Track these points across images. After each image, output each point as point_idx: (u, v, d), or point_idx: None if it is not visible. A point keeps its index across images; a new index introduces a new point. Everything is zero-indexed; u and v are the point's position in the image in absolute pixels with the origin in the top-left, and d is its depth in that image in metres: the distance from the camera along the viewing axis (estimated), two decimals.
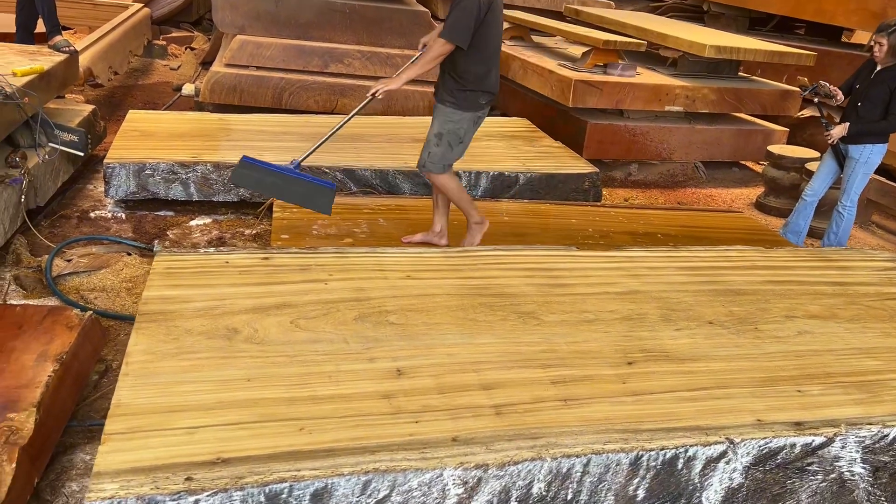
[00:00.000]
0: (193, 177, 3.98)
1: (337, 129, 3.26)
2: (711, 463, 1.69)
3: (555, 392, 1.84)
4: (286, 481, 1.47)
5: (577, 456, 1.62)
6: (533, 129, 5.09)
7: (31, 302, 3.03)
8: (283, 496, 1.47)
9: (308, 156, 3.15)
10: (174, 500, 1.41)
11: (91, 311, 2.61)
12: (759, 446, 1.71)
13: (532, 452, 1.61)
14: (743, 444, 1.71)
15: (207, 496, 1.42)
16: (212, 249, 2.43)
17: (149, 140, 4.23)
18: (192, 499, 1.42)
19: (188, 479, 1.45)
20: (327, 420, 1.66)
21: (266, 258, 2.42)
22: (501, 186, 4.23)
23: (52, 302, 3.04)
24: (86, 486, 2.16)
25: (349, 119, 3.29)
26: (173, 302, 2.10)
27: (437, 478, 1.54)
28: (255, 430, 1.61)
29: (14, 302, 3.00)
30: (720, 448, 1.70)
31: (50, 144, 3.67)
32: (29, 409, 2.09)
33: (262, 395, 1.73)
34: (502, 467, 1.58)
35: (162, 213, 4.02)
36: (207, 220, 4.01)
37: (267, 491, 1.46)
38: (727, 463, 1.70)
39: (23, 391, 2.16)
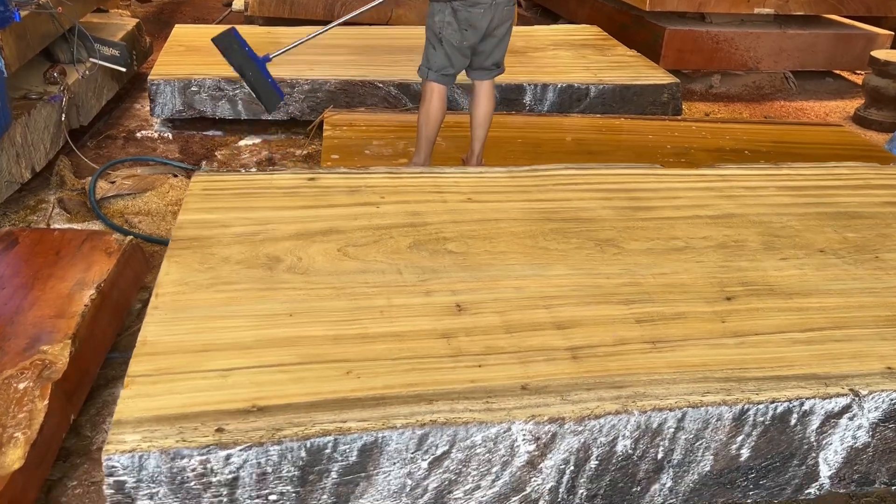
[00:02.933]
0: (241, 93, 3.75)
1: (326, 30, 3.13)
2: (831, 419, 1.42)
3: (640, 332, 1.58)
4: (330, 434, 1.27)
5: (670, 409, 1.37)
6: (604, 37, 4.66)
7: (74, 226, 2.90)
8: (327, 451, 1.27)
9: (282, 53, 2.99)
10: (202, 454, 1.23)
11: (132, 236, 2.44)
12: (892, 399, 1.43)
13: (616, 404, 1.37)
14: (871, 396, 1.43)
15: (240, 451, 1.24)
16: (254, 169, 2.20)
17: (195, 55, 4.01)
18: (222, 453, 1.23)
19: (219, 429, 1.26)
20: (378, 363, 1.45)
21: (312, 178, 2.18)
22: (570, 100, 3.87)
23: (95, 226, 2.91)
24: None
25: (347, 18, 3.14)
26: (210, 226, 1.89)
27: (504, 432, 1.32)
28: (295, 372, 1.41)
29: (55, 226, 2.88)
30: (843, 401, 1.42)
31: (90, 59, 3.48)
32: (64, 340, 1.95)
33: (305, 333, 1.52)
34: (581, 421, 1.34)
35: (210, 132, 3.83)
36: (257, 140, 3.80)
37: (308, 445, 1.26)
38: (851, 419, 1.43)
39: (58, 322, 2.02)
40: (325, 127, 3.42)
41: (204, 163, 3.49)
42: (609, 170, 2.36)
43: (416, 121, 3.55)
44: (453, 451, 1.31)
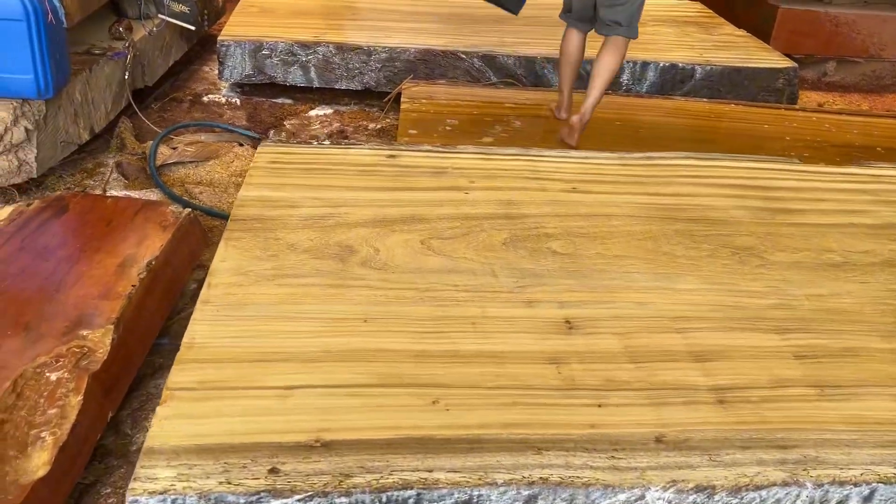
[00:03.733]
0: (314, 59, 3.49)
1: None
2: None
3: (802, 372, 1.25)
4: (412, 487, 0.99)
5: (854, 483, 1.05)
6: (710, 15, 4.22)
7: (130, 193, 2.70)
8: None
9: None
10: (251, 502, 0.96)
11: (190, 209, 2.21)
12: None
13: (782, 472, 1.05)
14: None
15: (298, 501, 0.97)
16: (326, 142, 1.93)
17: (268, 17, 3.77)
18: (276, 503, 0.96)
19: (273, 470, 1.00)
20: (472, 391, 1.16)
21: (392, 156, 1.90)
22: (673, 81, 3.48)
23: (153, 194, 2.70)
24: None
25: None
26: (275, 205, 1.63)
27: (636, 501, 1.02)
28: (371, 397, 1.13)
29: (111, 193, 2.68)
30: None
31: (159, 15, 3.26)
32: (106, 326, 1.72)
33: (383, 345, 1.24)
34: (737, 492, 1.03)
35: (280, 100, 3.59)
36: (328, 110, 3.54)
37: (384, 499, 0.98)
38: None
39: (101, 303, 1.80)
40: (402, 100, 3.13)
41: (272, 132, 3.25)
42: (737, 162, 2.01)
43: (501, 97, 3.22)
44: None
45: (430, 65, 3.52)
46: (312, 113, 3.53)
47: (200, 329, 1.24)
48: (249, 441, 1.04)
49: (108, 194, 2.45)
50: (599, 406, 1.15)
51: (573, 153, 2.00)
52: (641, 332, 1.32)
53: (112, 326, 1.71)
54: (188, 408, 1.09)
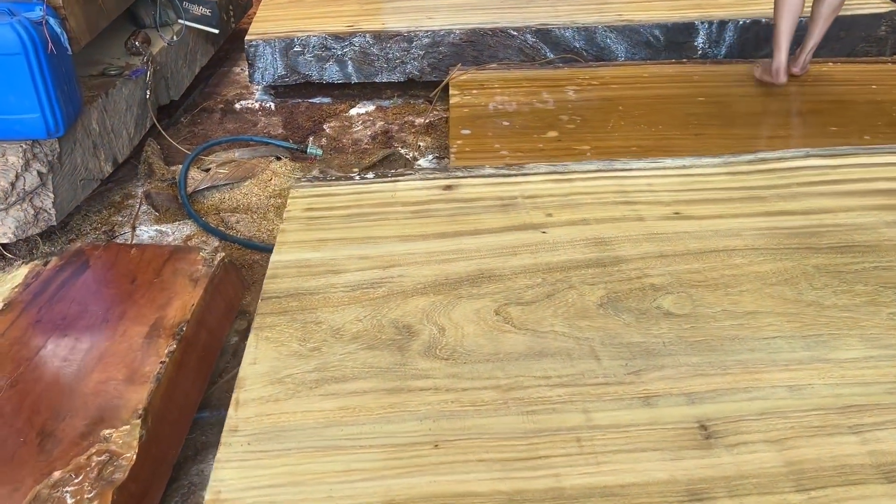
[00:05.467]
0: (350, 52, 3.18)
1: None
2: None
3: None
4: None
5: None
6: None
7: (162, 228, 2.46)
8: None
9: None
10: None
11: (223, 255, 1.95)
12: None
13: None
14: None
15: None
16: (370, 175, 1.62)
17: (296, 7, 3.45)
18: None
19: None
20: None
21: (448, 187, 1.58)
22: (755, 40, 3.04)
23: (186, 227, 2.45)
24: None
25: None
26: (315, 272, 1.34)
27: None
28: None
29: (139, 232, 2.44)
30: None
31: (178, 21, 2.98)
32: (132, 421, 1.48)
33: (463, 485, 0.94)
34: None
35: (317, 100, 3.29)
36: (370, 107, 3.23)
37: None
38: None
39: (126, 390, 1.55)
40: (451, 91, 2.79)
41: (311, 140, 2.96)
42: (875, 156, 1.62)
43: (561, 77, 2.85)
44: None
45: (478, 46, 3.16)
46: (353, 112, 3.22)
47: (228, 476, 0.96)
48: None
49: (132, 244, 2.20)
50: None
51: (664, 161, 1.65)
52: (802, 435, 0.99)
53: (139, 421, 1.46)
54: None
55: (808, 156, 1.64)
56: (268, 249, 2.32)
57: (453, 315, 1.23)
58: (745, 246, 1.37)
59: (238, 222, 2.46)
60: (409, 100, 3.30)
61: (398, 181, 1.60)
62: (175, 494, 1.59)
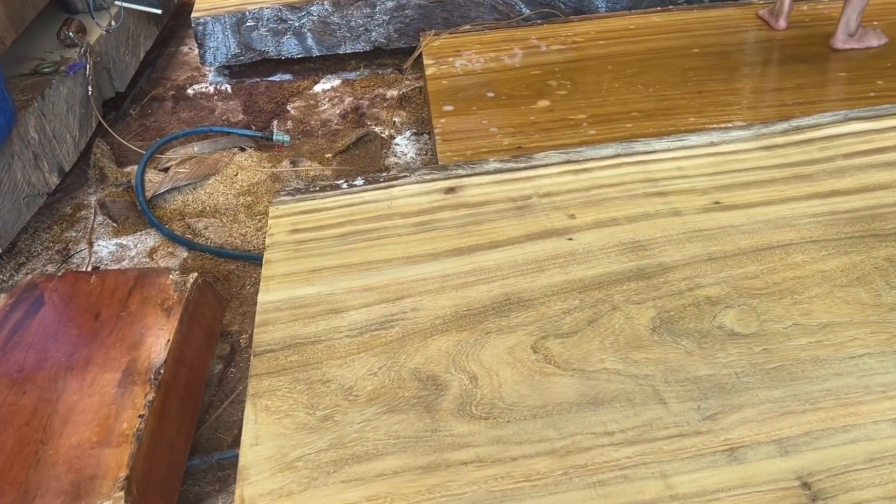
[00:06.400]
0: (309, 23, 2.91)
1: None
2: None
3: None
4: None
5: None
6: None
7: (124, 240, 2.21)
8: None
9: None
10: None
11: (195, 276, 1.73)
12: None
13: None
14: None
15: None
16: (359, 182, 1.41)
17: None
18: None
19: None
20: None
21: (451, 190, 1.38)
22: None
23: (150, 237, 2.21)
24: None
25: None
26: (312, 313, 1.14)
27: None
28: None
29: (100, 246, 2.19)
30: None
31: (115, 3, 2.68)
32: (114, 492, 1.28)
33: None
34: None
35: (277, 77, 3.03)
36: (335, 81, 2.98)
37: None
38: None
39: (103, 455, 1.35)
40: (425, 60, 2.55)
41: (275, 124, 2.71)
42: None
43: (542, 35, 2.63)
44: None
45: (448, 6, 2.92)
46: (318, 88, 2.97)
47: None
48: None
49: (91, 271, 1.96)
50: None
51: (693, 139, 1.46)
52: None
53: (122, 493, 1.27)
54: None
55: (847, 119, 1.46)
56: (243, 257, 2.10)
57: (484, 357, 1.05)
58: (801, 238, 1.19)
59: (206, 228, 2.23)
60: (376, 70, 3.06)
61: (393, 187, 1.39)
62: None
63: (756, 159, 1.38)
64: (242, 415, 1.69)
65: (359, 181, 1.42)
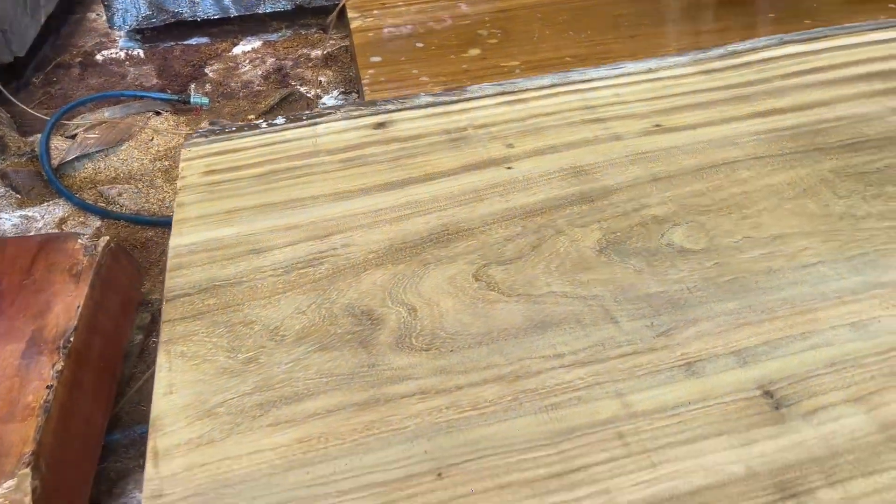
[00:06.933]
0: None
1: None
2: None
3: None
4: None
5: None
6: None
7: (29, 212, 2.05)
8: None
9: None
10: None
11: (108, 239, 1.59)
12: None
13: None
14: None
15: None
16: (280, 120, 1.31)
17: None
18: None
19: None
20: None
21: (381, 125, 1.29)
22: None
23: (59, 207, 2.05)
24: None
25: None
26: (231, 254, 1.04)
27: None
28: None
29: (2, 220, 2.02)
30: None
31: None
32: (18, 469, 1.16)
33: None
34: None
35: (193, 41, 2.86)
36: (256, 43, 2.84)
37: None
38: None
39: (7, 431, 1.22)
40: (349, 14, 2.44)
41: (192, 86, 2.56)
42: (860, 35, 1.43)
43: None
44: None
45: None
46: (237, 50, 2.82)
47: None
48: None
49: None
50: None
51: (629, 66, 1.40)
52: (888, 386, 0.80)
53: (28, 470, 1.15)
54: None
55: (782, 43, 1.43)
56: (163, 223, 1.96)
57: (423, 289, 0.96)
58: (745, 156, 1.15)
59: (120, 195, 2.08)
60: (299, 31, 2.93)
61: (317, 123, 1.29)
62: None
63: (694, 83, 1.34)
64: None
65: (279, 120, 1.31)
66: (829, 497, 0.70)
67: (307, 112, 1.34)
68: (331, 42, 2.78)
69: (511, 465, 0.75)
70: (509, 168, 1.17)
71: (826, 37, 1.44)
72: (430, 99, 1.35)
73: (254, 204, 1.13)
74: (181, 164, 1.23)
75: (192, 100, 2.42)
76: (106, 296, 1.53)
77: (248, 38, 2.87)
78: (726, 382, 0.82)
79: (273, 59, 2.71)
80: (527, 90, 1.35)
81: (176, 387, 0.86)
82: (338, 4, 2.64)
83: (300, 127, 1.30)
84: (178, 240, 1.07)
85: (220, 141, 1.27)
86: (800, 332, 0.87)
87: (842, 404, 0.78)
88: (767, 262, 0.97)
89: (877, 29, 1.45)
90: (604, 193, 1.10)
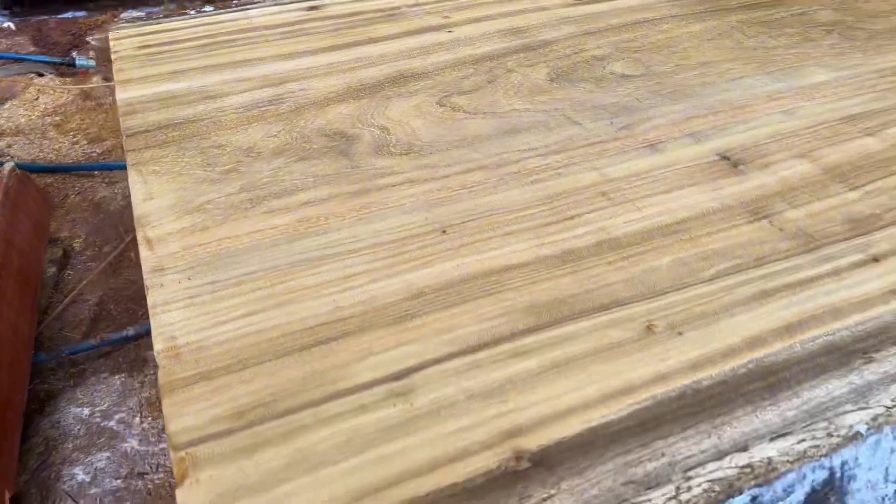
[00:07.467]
0: None
1: None
2: None
3: None
4: None
5: None
6: None
7: None
8: None
9: None
10: None
11: (13, 165, 1.49)
12: None
13: None
14: None
15: None
16: (208, 9, 1.30)
17: None
18: None
19: None
20: (694, 294, 0.69)
21: (314, 7, 1.30)
22: None
23: None
24: (101, 459, 1.21)
25: None
26: (187, 101, 1.01)
27: None
28: (550, 348, 0.63)
29: None
30: None
31: None
32: None
33: (500, 260, 0.73)
34: None
35: (69, 14, 2.73)
36: (138, 13, 2.74)
37: None
38: None
39: None
40: None
41: (74, 53, 2.44)
42: None
43: None
44: None
45: None
46: (121, 20, 2.71)
47: (176, 319, 0.66)
48: None
49: None
50: (876, 260, 0.72)
51: None
52: (823, 145, 0.90)
53: None
54: (229, 472, 0.53)
55: None
56: (66, 168, 1.86)
57: (390, 114, 0.99)
58: (663, 15, 1.26)
59: (10, 147, 1.95)
60: (183, 2, 2.86)
61: (248, 10, 1.29)
62: (31, 457, 1.20)
63: None
64: (88, 314, 1.49)
65: (208, 8, 1.30)
66: (794, 216, 0.78)
67: (236, 1, 1.33)
68: None
69: (510, 220, 0.78)
70: (450, 31, 1.21)
71: None
72: None
73: (199, 66, 1.11)
74: (112, 43, 1.19)
75: (77, 62, 2.31)
76: (17, 217, 1.43)
77: (130, 10, 2.77)
78: (688, 154, 0.89)
79: None
80: None
81: (155, 194, 0.83)
82: None
83: (231, 12, 1.28)
84: (125, 94, 1.03)
85: (151, 25, 1.24)
86: (741, 119, 0.96)
87: (789, 159, 0.88)
88: (701, 79, 1.06)
89: None
90: (544, 44, 1.17)
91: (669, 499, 0.52)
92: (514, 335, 0.64)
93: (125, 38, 1.19)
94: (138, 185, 0.84)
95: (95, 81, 2.19)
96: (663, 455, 0.54)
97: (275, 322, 0.66)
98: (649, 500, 0.52)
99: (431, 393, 0.59)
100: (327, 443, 0.55)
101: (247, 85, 1.05)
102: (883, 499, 0.60)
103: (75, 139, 1.98)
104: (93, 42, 2.56)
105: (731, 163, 0.87)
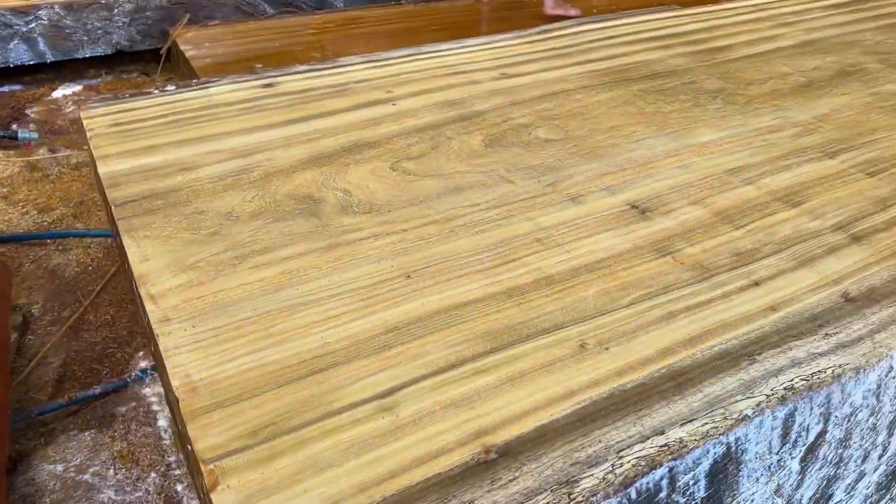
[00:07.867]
0: (39, 27, 2.74)
1: None
2: None
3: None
4: None
5: None
6: None
7: None
8: None
9: None
10: None
11: None
12: None
13: None
14: None
15: None
16: (171, 87, 1.42)
17: None
18: None
19: None
20: (620, 319, 0.85)
21: (269, 84, 1.45)
22: None
23: None
24: None
25: None
26: (165, 174, 1.13)
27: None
28: (506, 365, 0.78)
29: None
30: None
31: None
32: None
33: (457, 298, 0.87)
34: None
35: (5, 88, 2.78)
36: (76, 87, 2.82)
37: None
38: None
39: None
40: (182, 47, 2.55)
41: (14, 125, 2.50)
42: (634, 17, 1.84)
43: (297, 26, 2.79)
44: None
45: (191, 7, 2.94)
46: (58, 94, 2.80)
47: (188, 360, 0.77)
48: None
49: None
50: (757, 284, 0.90)
51: (468, 43, 1.69)
52: (712, 194, 1.10)
53: None
54: (253, 478, 0.65)
55: (579, 23, 1.81)
56: (18, 238, 1.91)
57: (350, 178, 1.13)
58: (576, 87, 1.46)
59: None
60: (120, 75, 2.96)
61: (209, 87, 1.42)
62: None
63: (524, 49, 1.65)
64: (52, 376, 1.55)
65: (170, 87, 1.42)
66: (692, 251, 0.96)
67: (195, 80, 1.46)
68: (158, 83, 2.84)
69: (462, 264, 0.93)
70: (394, 104, 1.38)
71: (613, 18, 1.84)
72: (306, 67, 1.53)
73: (170, 141, 1.23)
74: (85, 122, 1.29)
75: (20, 135, 2.37)
76: None
77: (67, 83, 2.85)
78: (604, 205, 1.07)
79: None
80: (390, 58, 1.58)
81: (150, 255, 0.94)
82: (160, 49, 2.73)
83: (191, 90, 1.41)
84: (106, 168, 1.14)
85: (117, 104, 1.36)
86: (646, 174, 1.15)
87: (686, 206, 1.07)
88: (611, 140, 1.26)
89: (644, 14, 1.87)
90: (477, 114, 1.35)
91: (607, 473, 0.66)
92: (475, 357, 0.78)
93: (96, 116, 1.31)
94: (133, 249, 0.95)
95: (41, 153, 2.26)
96: (600, 441, 0.69)
97: (273, 358, 0.78)
98: (592, 475, 0.66)
99: (412, 406, 0.73)
100: (331, 450, 0.68)
101: (218, 157, 1.18)
102: (769, 466, 0.76)
103: (24, 209, 2.03)
104: (32, 115, 2.62)
105: (640, 211, 1.05)
